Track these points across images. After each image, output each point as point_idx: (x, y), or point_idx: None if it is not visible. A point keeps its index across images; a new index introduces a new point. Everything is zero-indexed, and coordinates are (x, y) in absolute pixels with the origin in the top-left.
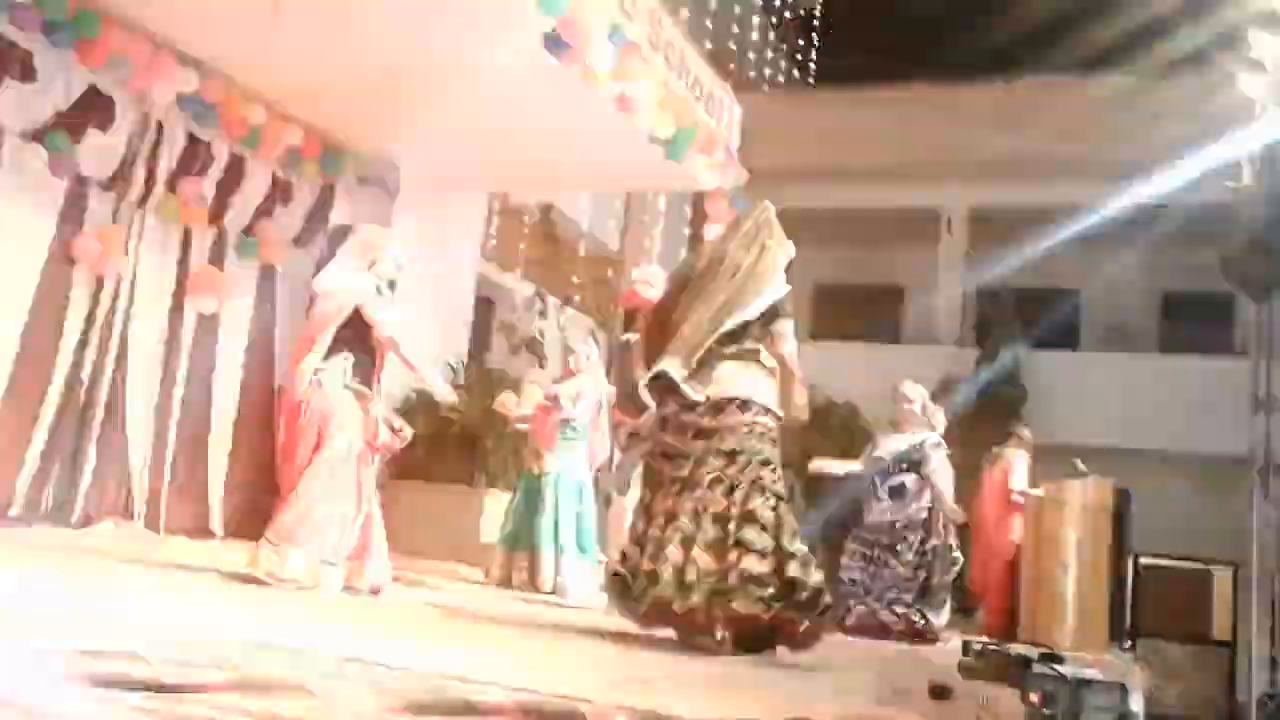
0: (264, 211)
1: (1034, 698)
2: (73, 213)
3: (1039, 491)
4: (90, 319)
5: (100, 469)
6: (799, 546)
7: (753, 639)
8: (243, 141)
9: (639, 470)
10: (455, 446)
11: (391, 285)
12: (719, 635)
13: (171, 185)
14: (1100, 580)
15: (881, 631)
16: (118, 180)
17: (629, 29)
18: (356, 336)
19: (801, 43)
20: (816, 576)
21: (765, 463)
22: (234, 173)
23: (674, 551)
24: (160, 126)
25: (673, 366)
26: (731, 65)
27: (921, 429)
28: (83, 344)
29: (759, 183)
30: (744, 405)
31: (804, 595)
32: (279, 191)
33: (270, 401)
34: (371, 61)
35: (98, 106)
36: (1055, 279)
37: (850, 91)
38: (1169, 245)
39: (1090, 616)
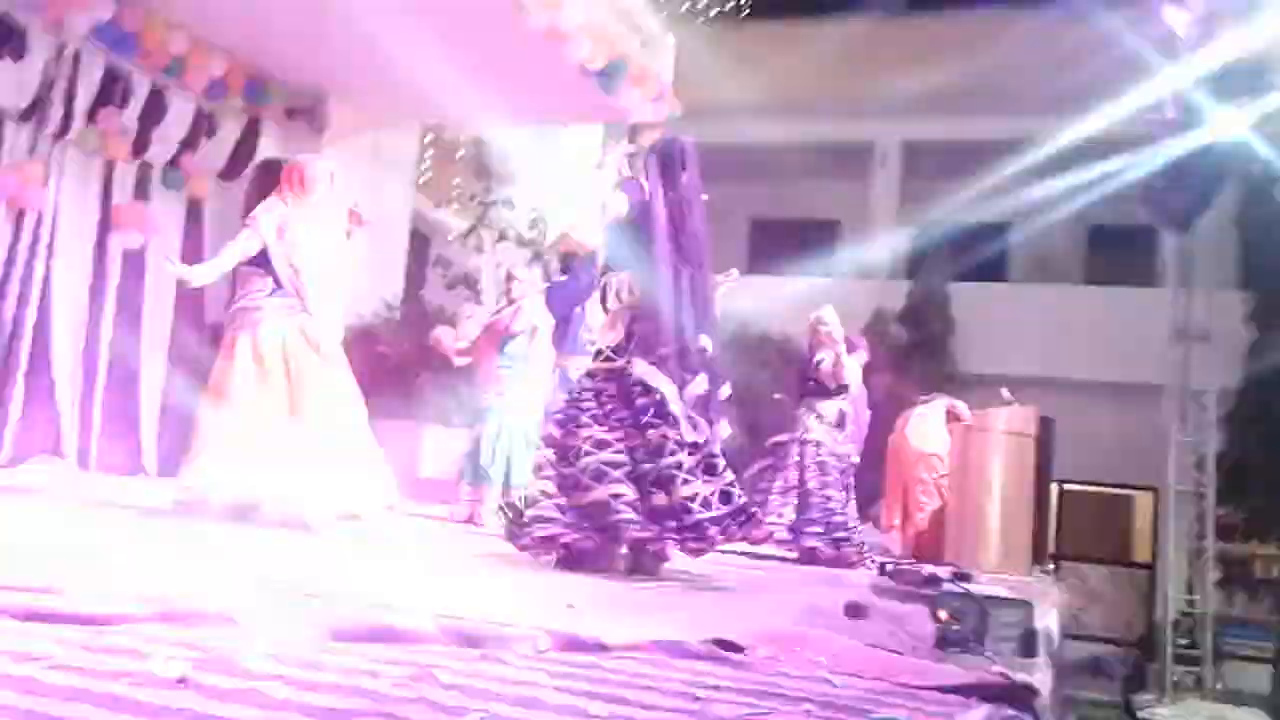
0: (188, 145)
1: (943, 615)
2: None
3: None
4: (11, 256)
5: (28, 408)
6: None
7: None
8: (164, 72)
9: None
10: (391, 382)
11: None
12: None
13: (91, 117)
14: (1023, 506)
15: (808, 557)
16: (34, 112)
17: None
18: None
19: None
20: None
21: None
22: (156, 104)
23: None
24: (77, 56)
25: None
26: None
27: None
28: (4, 281)
29: (692, 116)
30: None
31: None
32: (203, 124)
33: (201, 336)
34: None
35: (10, 36)
36: (985, 212)
37: (784, 25)
38: (1094, 178)
39: (1013, 541)
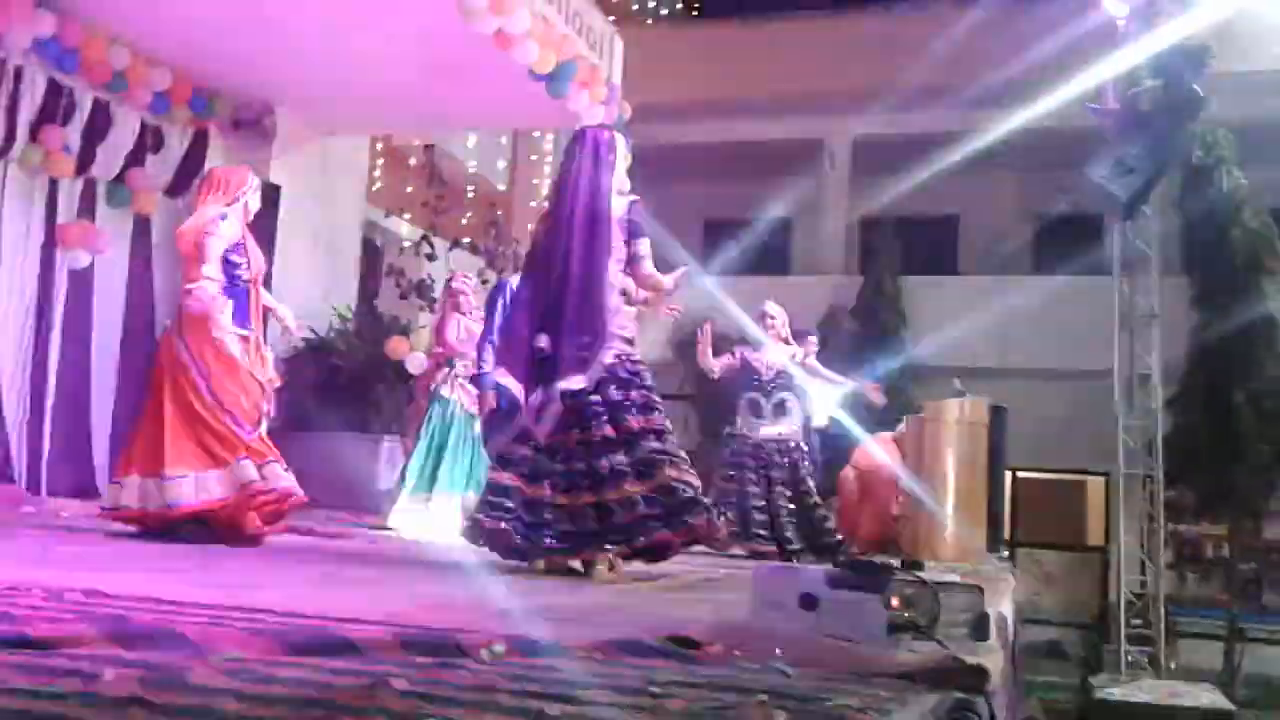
0: (134, 160)
1: (895, 602)
2: None
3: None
4: None
5: None
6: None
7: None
8: (108, 87)
9: None
10: (346, 393)
11: None
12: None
13: (34, 135)
14: (977, 494)
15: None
16: None
17: None
18: None
19: None
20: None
21: None
22: (100, 120)
23: None
24: (18, 73)
25: None
26: None
27: (784, 346)
28: None
29: (643, 118)
30: None
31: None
32: (149, 138)
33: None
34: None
35: None
36: (933, 205)
37: (731, 24)
38: (1040, 168)
39: (969, 530)
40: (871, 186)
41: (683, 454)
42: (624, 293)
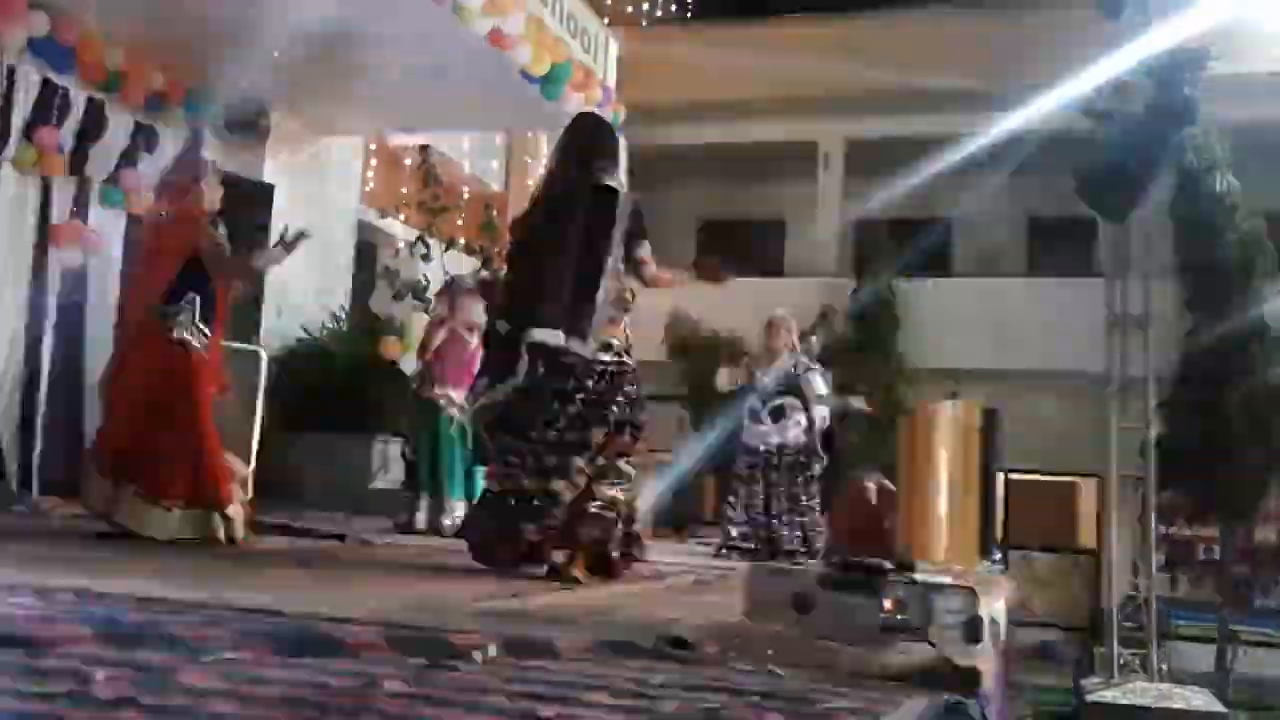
0: (128, 160)
1: (888, 604)
2: None
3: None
4: None
5: None
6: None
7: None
8: (102, 86)
9: None
10: (340, 393)
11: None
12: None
13: (28, 134)
14: (970, 496)
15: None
16: None
17: None
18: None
19: None
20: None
21: None
22: (94, 119)
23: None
24: (12, 72)
25: None
26: (607, 1)
27: (791, 354)
28: None
29: (638, 120)
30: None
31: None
32: (143, 138)
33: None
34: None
35: None
36: (928, 208)
37: (727, 26)
38: (1034, 170)
39: (961, 532)
40: (866, 188)
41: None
42: (621, 297)
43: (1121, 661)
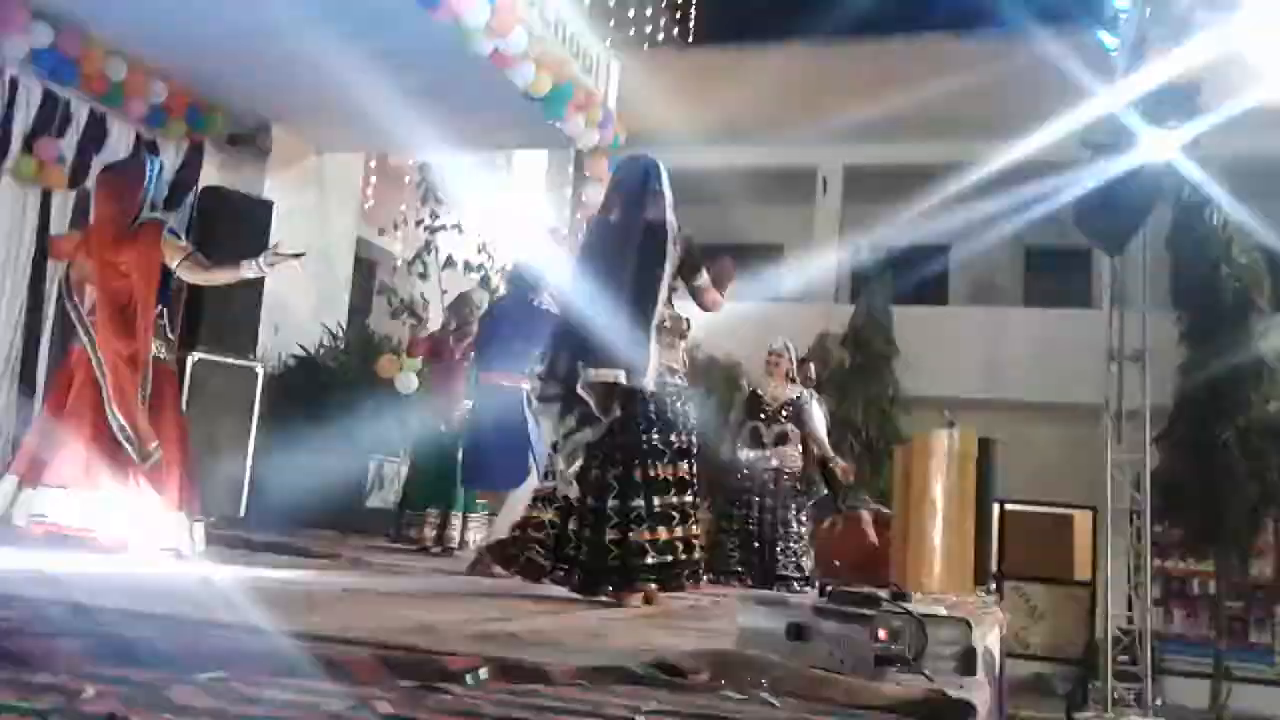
0: None
1: (882, 634)
2: None
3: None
4: None
5: None
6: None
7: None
8: (104, 99)
9: None
10: (336, 411)
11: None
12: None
13: (29, 145)
14: (965, 526)
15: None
16: None
17: None
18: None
19: (680, 1)
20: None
21: None
22: (95, 132)
23: None
24: (14, 83)
25: None
26: (610, 22)
27: (791, 382)
28: None
29: (638, 142)
30: None
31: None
32: (143, 151)
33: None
34: (238, 14)
35: None
36: (925, 235)
37: (729, 50)
38: (1031, 201)
39: (956, 562)
40: (864, 215)
41: (697, 507)
42: (670, 323)
43: (1115, 695)
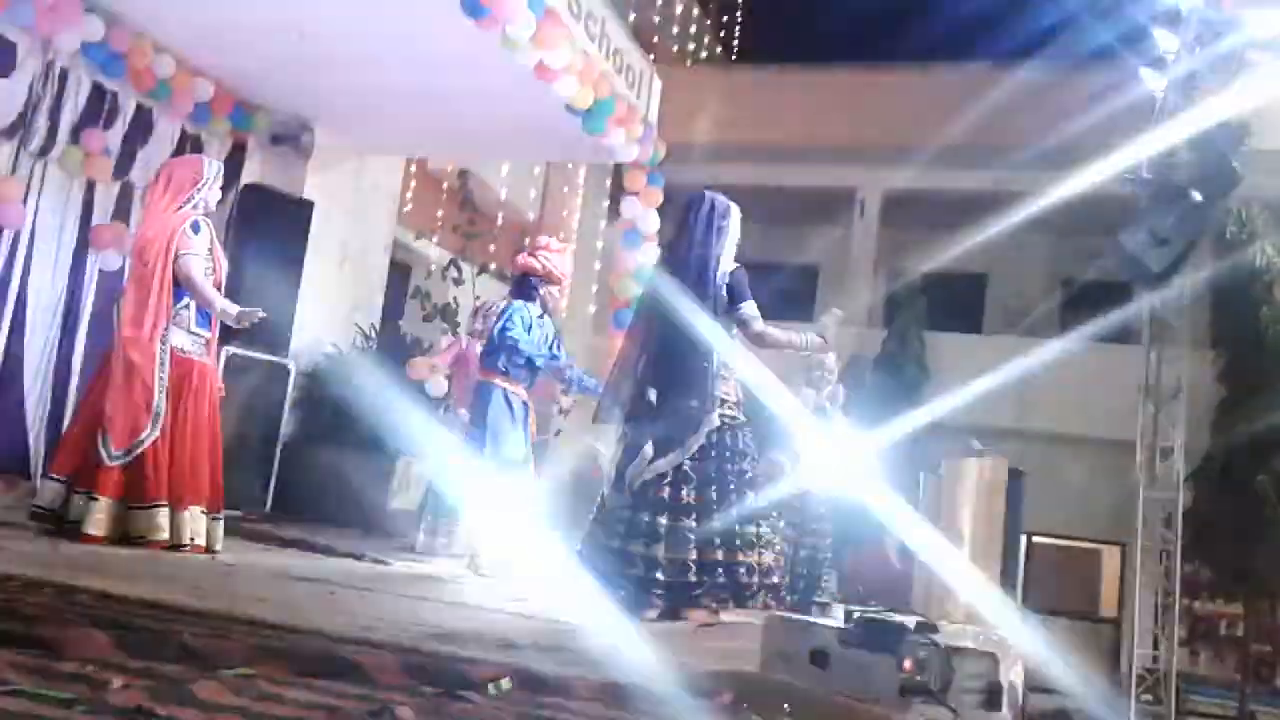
0: None
1: (908, 664)
2: None
3: None
4: None
5: None
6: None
7: None
8: (151, 94)
9: None
10: (366, 411)
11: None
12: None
13: (75, 137)
14: (992, 557)
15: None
16: (18, 129)
17: None
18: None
19: (725, 19)
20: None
21: None
22: (141, 126)
23: None
24: (64, 75)
25: None
26: (654, 38)
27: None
28: None
29: (677, 158)
30: None
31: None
32: (188, 147)
33: None
34: (286, 16)
35: None
36: (962, 263)
37: (771, 70)
38: (1071, 233)
39: (981, 591)
40: (900, 238)
41: (767, 534)
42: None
43: None
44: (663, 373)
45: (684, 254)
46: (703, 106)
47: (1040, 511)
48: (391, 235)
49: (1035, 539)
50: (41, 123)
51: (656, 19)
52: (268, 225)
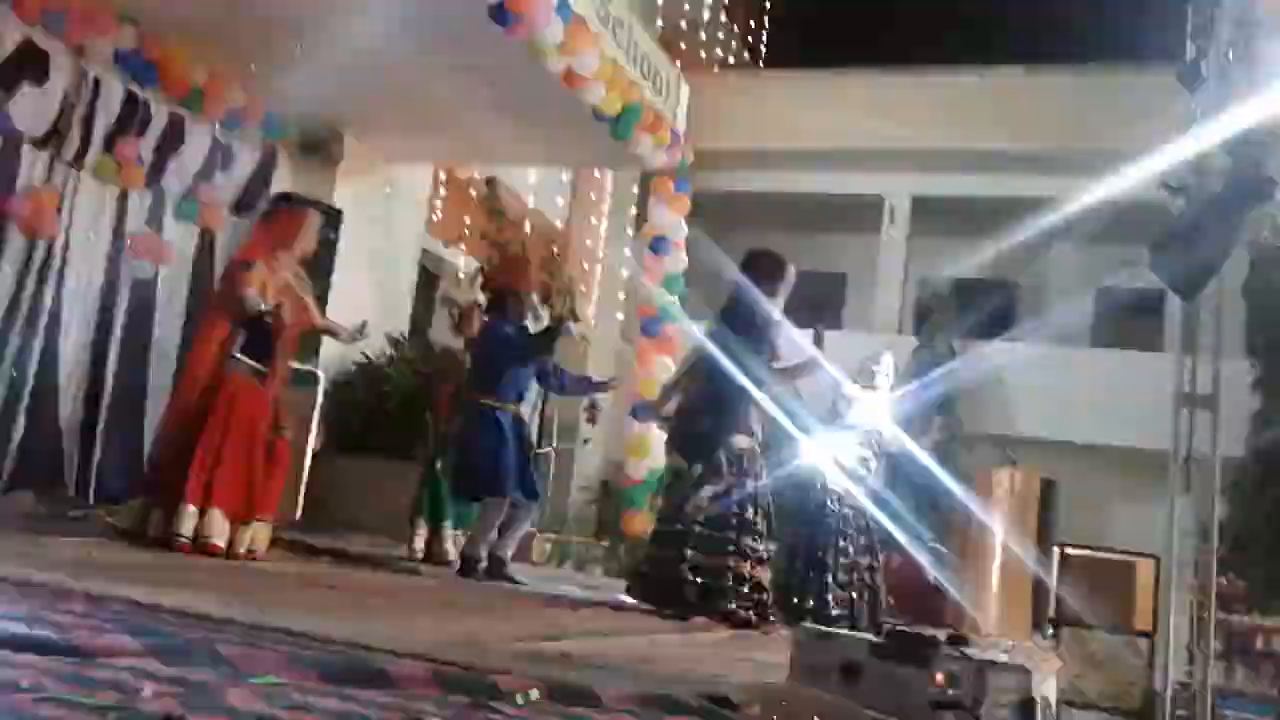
0: (204, 176)
1: (939, 678)
2: (5, 170)
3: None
4: (21, 281)
5: (30, 434)
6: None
7: None
8: (183, 102)
9: None
10: (395, 421)
11: None
12: None
13: (109, 145)
14: (1024, 569)
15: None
16: (51, 138)
17: (577, 3)
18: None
19: (752, 24)
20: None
21: None
22: (173, 134)
23: None
24: (98, 83)
25: None
26: (681, 45)
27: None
28: (14, 305)
29: (704, 164)
30: None
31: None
32: (219, 155)
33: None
34: (316, 27)
35: (33, 60)
36: (993, 270)
37: (798, 76)
38: (1103, 240)
39: (1013, 605)
40: (930, 246)
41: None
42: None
43: None
44: (712, 409)
45: (739, 308)
46: (730, 113)
47: (1073, 522)
48: (420, 242)
49: (1068, 550)
50: (75, 131)
51: (684, 25)
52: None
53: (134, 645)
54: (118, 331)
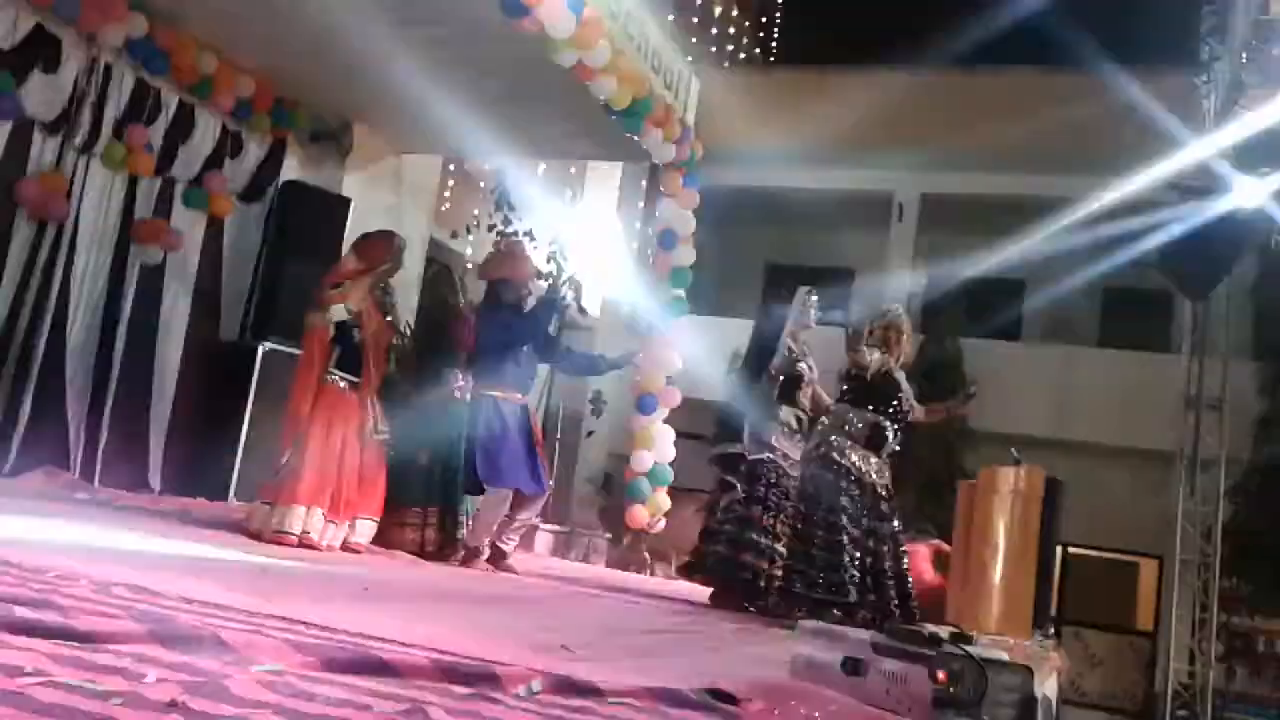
0: (213, 163)
1: (941, 675)
2: (15, 155)
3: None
4: (30, 265)
5: (36, 419)
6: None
7: None
8: (193, 90)
9: None
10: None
11: None
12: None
13: (118, 132)
14: (1027, 567)
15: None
16: (62, 124)
17: None
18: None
19: (763, 20)
20: None
21: None
22: (183, 122)
23: None
24: (108, 70)
25: None
26: (693, 39)
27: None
28: (22, 290)
29: (714, 159)
30: None
31: None
32: (229, 143)
33: (213, 357)
34: (326, 16)
35: (44, 46)
36: (1001, 269)
37: (809, 72)
38: (1112, 240)
39: (1015, 603)
40: (938, 243)
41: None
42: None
43: None
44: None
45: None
46: (741, 108)
47: (1077, 522)
48: (428, 233)
49: (1071, 549)
50: (85, 118)
51: (695, 20)
52: (306, 221)
53: (138, 630)
54: (125, 318)
